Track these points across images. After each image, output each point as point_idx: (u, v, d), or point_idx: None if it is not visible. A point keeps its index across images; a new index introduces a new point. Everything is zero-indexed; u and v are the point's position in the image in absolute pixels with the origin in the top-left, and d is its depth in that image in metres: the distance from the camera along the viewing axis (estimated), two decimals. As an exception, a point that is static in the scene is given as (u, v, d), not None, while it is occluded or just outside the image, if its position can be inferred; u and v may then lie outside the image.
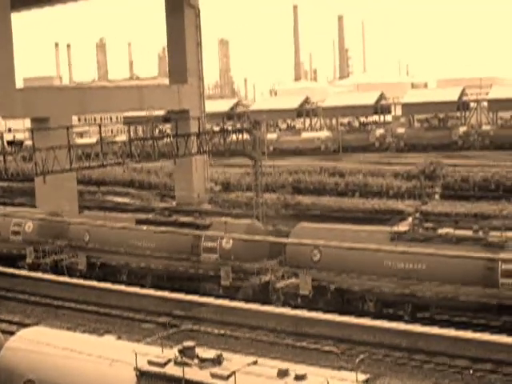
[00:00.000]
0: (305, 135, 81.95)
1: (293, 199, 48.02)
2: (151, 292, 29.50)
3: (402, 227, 33.80)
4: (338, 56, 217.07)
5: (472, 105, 79.57)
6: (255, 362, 14.91)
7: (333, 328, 29.07)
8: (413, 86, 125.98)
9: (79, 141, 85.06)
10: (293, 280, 35.14)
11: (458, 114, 79.08)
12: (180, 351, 15.02)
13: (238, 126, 73.93)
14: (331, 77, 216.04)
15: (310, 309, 32.03)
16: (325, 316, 29.80)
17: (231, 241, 37.18)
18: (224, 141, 44.19)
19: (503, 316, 29.30)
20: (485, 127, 73.52)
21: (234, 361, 14.91)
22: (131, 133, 65.47)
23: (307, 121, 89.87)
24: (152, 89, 63.97)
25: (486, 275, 29.51)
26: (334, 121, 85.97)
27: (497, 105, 73.04)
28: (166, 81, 67.93)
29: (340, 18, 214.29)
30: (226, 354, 15.11)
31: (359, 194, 48.54)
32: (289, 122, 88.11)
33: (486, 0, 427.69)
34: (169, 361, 14.94)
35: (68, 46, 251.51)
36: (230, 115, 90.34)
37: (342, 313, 31.11)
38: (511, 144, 67.00)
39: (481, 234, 30.96)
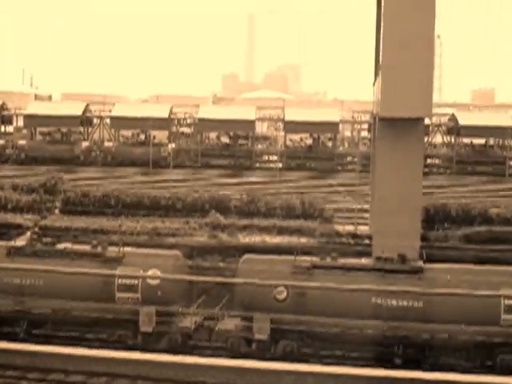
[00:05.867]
0: None
1: None
2: None
3: (20, 242, 32.95)
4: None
5: (95, 121, 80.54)
6: None
7: None
8: (36, 97, 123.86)
9: None
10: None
11: (82, 129, 79.48)
12: None
13: None
14: None
15: None
16: None
17: None
18: None
19: (118, 330, 30.03)
20: (107, 143, 74.90)
21: None
22: None
23: None
24: None
25: (104, 290, 29.98)
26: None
27: (118, 122, 74.77)
28: None
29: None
30: None
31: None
32: None
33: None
34: None
35: None
36: None
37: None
38: (131, 160, 69.18)
39: (99, 249, 31.37)
